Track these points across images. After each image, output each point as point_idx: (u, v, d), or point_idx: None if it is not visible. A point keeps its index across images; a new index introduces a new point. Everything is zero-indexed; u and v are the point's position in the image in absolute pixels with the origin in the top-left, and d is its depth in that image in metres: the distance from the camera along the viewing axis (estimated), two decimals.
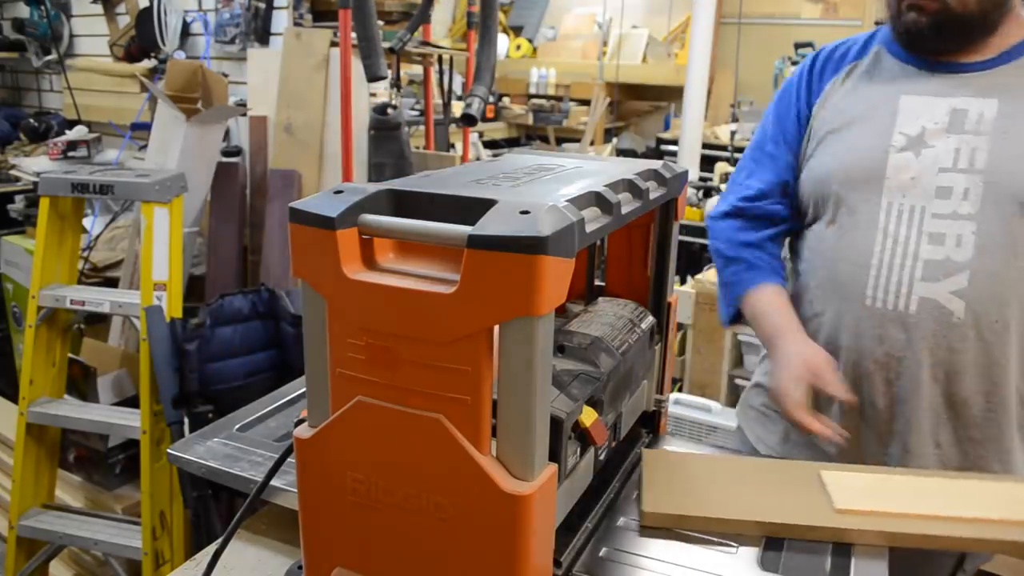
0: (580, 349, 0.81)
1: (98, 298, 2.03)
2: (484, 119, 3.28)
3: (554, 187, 0.71)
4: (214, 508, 1.90)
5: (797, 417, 1.12)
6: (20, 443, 2.09)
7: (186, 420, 1.94)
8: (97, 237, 2.95)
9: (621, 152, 6.05)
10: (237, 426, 1.05)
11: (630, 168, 0.83)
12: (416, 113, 3.76)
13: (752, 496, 0.86)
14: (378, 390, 0.62)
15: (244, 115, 2.95)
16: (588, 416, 0.72)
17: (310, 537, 0.70)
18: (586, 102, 6.02)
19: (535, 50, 6.59)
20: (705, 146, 4.78)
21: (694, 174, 4.46)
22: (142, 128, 3.31)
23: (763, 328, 1.28)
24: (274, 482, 0.84)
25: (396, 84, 2.74)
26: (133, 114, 3.42)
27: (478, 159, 3.58)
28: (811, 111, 1.28)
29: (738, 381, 2.81)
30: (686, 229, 3.66)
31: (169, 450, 0.99)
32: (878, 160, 1.15)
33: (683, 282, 3.11)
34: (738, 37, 5.87)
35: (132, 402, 2.25)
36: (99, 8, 3.79)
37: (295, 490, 0.70)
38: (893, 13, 1.15)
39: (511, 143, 5.95)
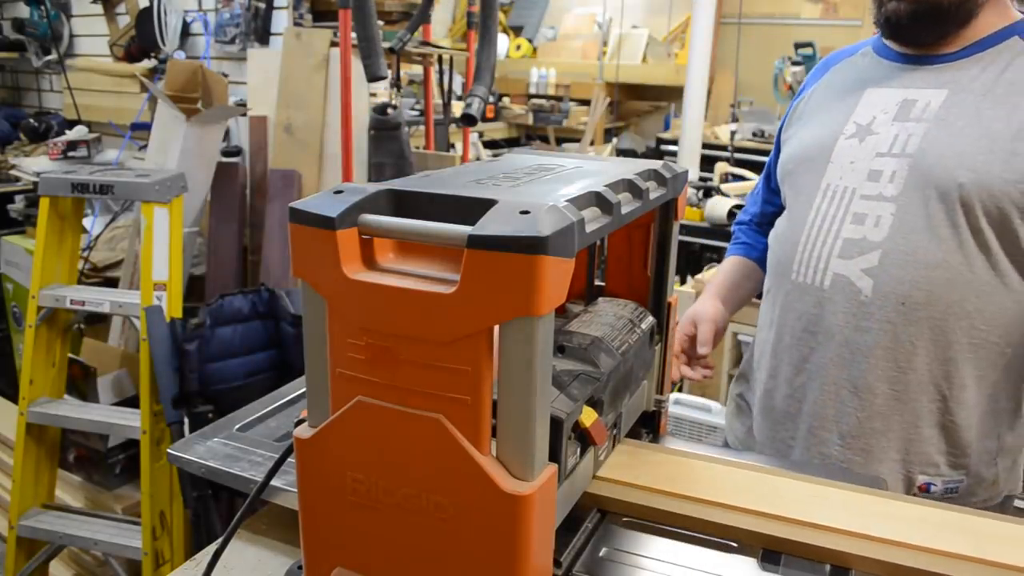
0: (580, 349, 0.81)
1: (98, 298, 2.03)
2: (484, 119, 3.28)
3: (554, 187, 0.71)
4: (214, 508, 1.90)
5: (673, 362, 1.18)
6: (20, 443, 2.09)
7: (186, 420, 1.95)
8: (97, 237, 2.95)
9: (621, 152, 6.06)
10: (237, 426, 1.05)
11: (630, 168, 0.83)
12: (416, 113, 3.76)
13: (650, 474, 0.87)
14: (378, 390, 0.62)
15: (244, 115, 2.95)
16: (588, 416, 0.72)
17: (310, 537, 0.70)
18: (586, 102, 6.02)
19: (535, 50, 6.59)
20: (705, 146, 4.79)
21: (694, 174, 4.47)
22: (142, 128, 3.31)
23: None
24: (274, 482, 0.84)
25: (396, 84, 2.74)
26: (133, 114, 3.42)
27: (478, 159, 3.59)
28: (792, 108, 1.37)
29: None
30: (686, 229, 3.66)
31: (169, 450, 0.99)
32: (827, 147, 1.20)
33: (683, 282, 3.11)
34: (738, 37, 5.87)
35: (132, 402, 2.25)
36: (99, 8, 3.79)
37: (295, 490, 0.70)
38: (877, 4, 1.17)
39: (511, 143, 5.95)
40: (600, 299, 0.97)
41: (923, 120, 1.12)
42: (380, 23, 2.37)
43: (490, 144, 5.43)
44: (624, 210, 0.72)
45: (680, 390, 2.92)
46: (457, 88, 3.75)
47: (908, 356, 1.11)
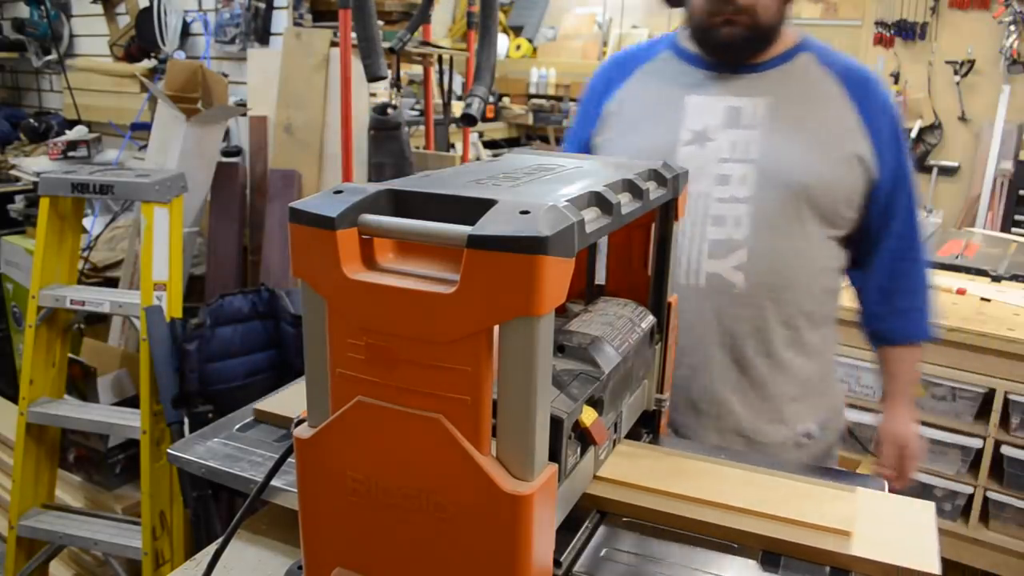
0: (580, 349, 0.81)
1: (98, 298, 2.03)
2: (484, 119, 3.27)
3: (554, 187, 0.71)
4: (214, 508, 1.90)
5: None
6: (20, 443, 2.09)
7: (186, 420, 1.94)
8: (97, 237, 2.95)
9: None
10: (237, 426, 1.05)
11: (630, 168, 0.83)
12: (416, 113, 3.76)
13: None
14: (378, 390, 0.62)
15: (244, 115, 2.95)
16: (588, 416, 0.72)
17: (310, 537, 0.70)
18: None
19: (535, 50, 6.58)
20: None
21: None
22: (142, 128, 3.31)
23: None
24: (274, 482, 0.84)
25: (396, 84, 2.74)
26: (133, 114, 3.42)
27: (478, 159, 3.59)
28: (602, 110, 1.41)
29: None
30: None
31: (169, 450, 0.99)
32: (668, 154, 1.26)
33: None
34: None
35: (132, 402, 2.25)
36: (99, 8, 3.79)
37: (295, 490, 0.70)
38: (704, 26, 1.25)
39: (511, 143, 5.94)
40: (600, 299, 0.97)
41: (755, 127, 1.25)
42: (380, 23, 2.37)
43: (490, 144, 5.42)
44: (624, 210, 0.72)
45: None
46: (457, 88, 3.74)
47: (770, 334, 1.27)
